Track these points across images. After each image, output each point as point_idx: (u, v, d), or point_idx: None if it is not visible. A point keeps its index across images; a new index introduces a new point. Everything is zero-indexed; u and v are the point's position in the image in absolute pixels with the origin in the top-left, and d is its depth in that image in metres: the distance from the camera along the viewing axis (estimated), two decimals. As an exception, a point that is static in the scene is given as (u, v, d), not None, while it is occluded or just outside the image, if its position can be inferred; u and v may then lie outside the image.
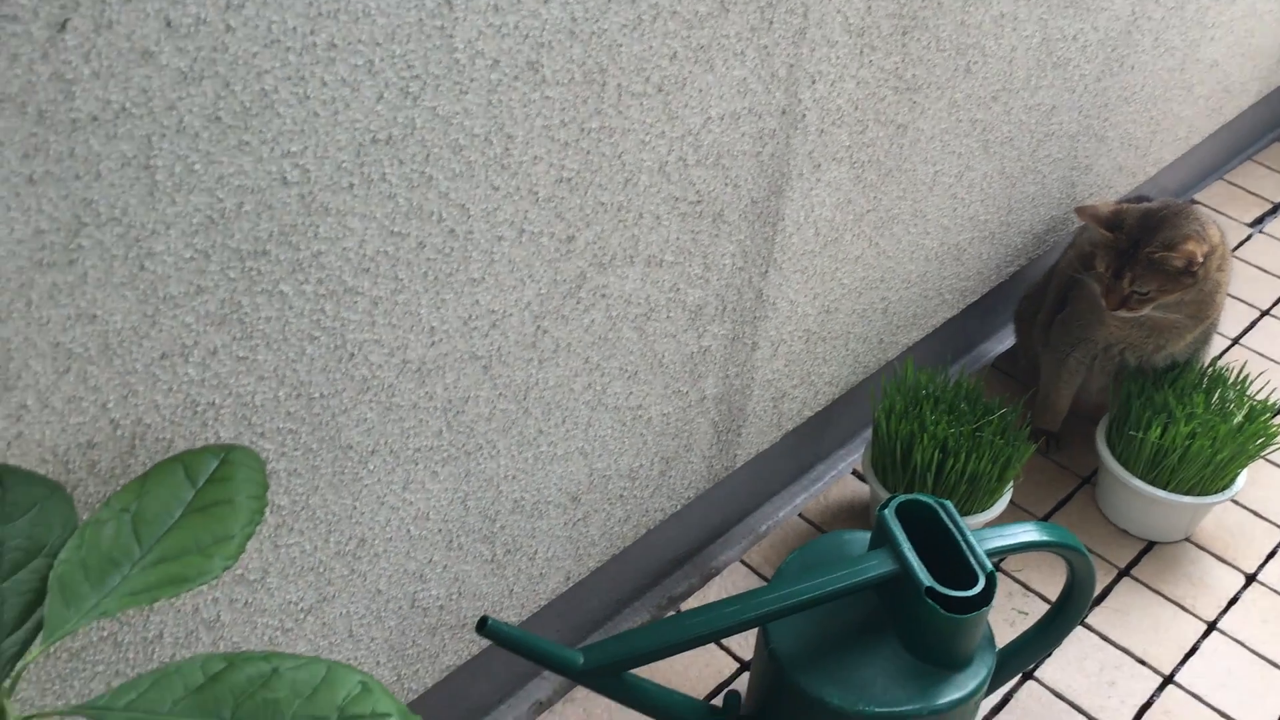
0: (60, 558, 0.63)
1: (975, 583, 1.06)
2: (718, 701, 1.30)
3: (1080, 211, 1.44)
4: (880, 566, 1.07)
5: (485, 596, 1.15)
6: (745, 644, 1.36)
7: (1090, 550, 1.50)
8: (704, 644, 1.07)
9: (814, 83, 1.12)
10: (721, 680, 1.33)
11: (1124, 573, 1.49)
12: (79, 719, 0.58)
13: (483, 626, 1.01)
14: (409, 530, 1.02)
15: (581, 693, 1.30)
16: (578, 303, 1.04)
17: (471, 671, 1.22)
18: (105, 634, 0.83)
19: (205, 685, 0.60)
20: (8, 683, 0.58)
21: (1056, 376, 1.57)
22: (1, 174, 0.62)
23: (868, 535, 1.19)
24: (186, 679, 0.60)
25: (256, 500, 0.71)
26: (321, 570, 0.96)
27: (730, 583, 1.44)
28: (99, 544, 0.65)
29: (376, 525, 0.98)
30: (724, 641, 1.36)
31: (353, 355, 0.88)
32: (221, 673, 0.61)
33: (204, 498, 0.70)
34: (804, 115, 1.13)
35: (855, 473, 1.59)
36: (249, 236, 0.76)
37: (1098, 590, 1.46)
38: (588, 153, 0.95)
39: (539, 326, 1.02)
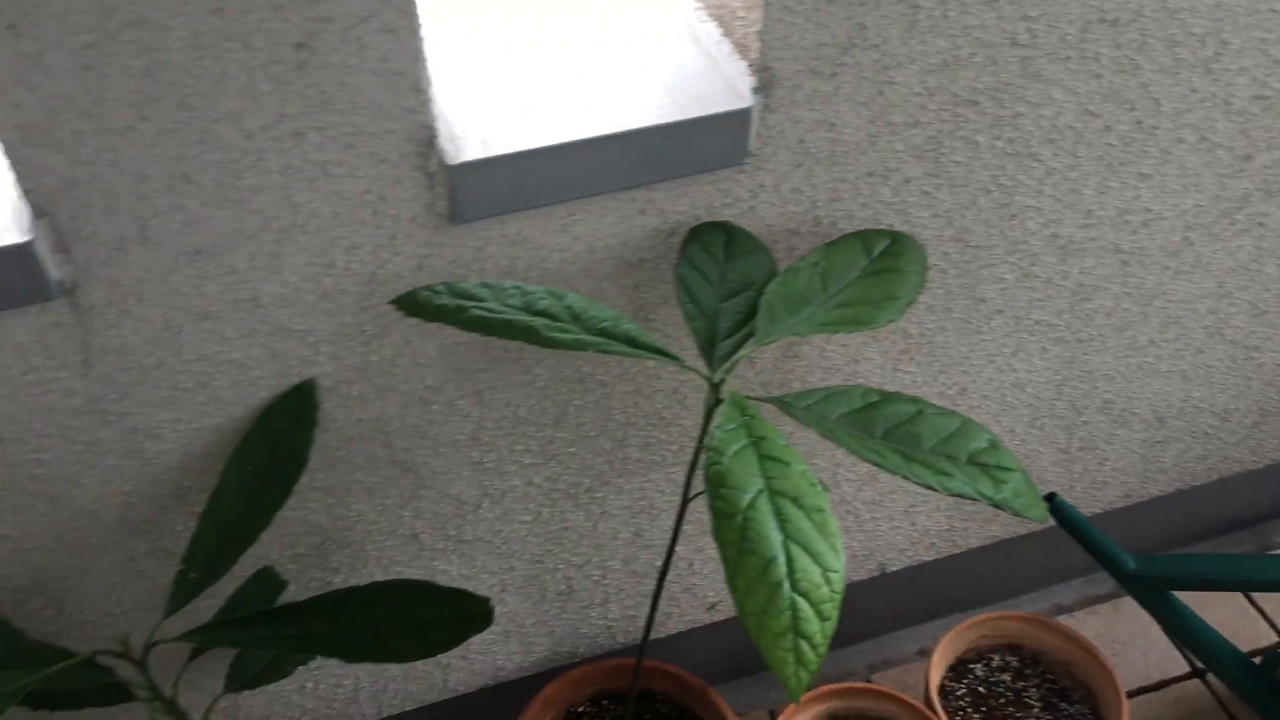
0: (767, 289, 0.79)
1: None
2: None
3: None
4: None
5: (1049, 484, 1.21)
6: (1291, 624, 1.31)
7: None
8: (1266, 590, 1.06)
9: None
10: (1256, 648, 1.29)
11: None
12: (770, 406, 0.74)
13: (1050, 501, 1.08)
14: (1004, 395, 1.10)
15: (1105, 608, 1.33)
16: (1231, 224, 1.04)
17: (1007, 552, 1.29)
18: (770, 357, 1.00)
19: (862, 409, 0.74)
20: (725, 368, 0.76)
21: None
22: (809, -10, 0.77)
23: None
24: (849, 401, 0.74)
25: (919, 274, 0.83)
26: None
27: (1289, 561, 1.37)
28: (795, 285, 0.80)
29: (980, 379, 1.07)
30: (1269, 612, 1.32)
31: (1014, 216, 0.96)
32: (876, 403, 0.74)
33: (876, 265, 0.83)
34: None
35: None
36: (968, 85, 0.86)
37: None
38: (1295, 74, 0.94)
39: (1186, 238, 1.03)
